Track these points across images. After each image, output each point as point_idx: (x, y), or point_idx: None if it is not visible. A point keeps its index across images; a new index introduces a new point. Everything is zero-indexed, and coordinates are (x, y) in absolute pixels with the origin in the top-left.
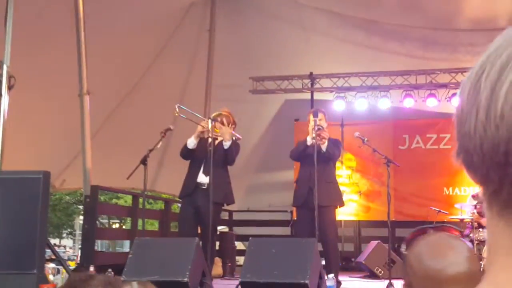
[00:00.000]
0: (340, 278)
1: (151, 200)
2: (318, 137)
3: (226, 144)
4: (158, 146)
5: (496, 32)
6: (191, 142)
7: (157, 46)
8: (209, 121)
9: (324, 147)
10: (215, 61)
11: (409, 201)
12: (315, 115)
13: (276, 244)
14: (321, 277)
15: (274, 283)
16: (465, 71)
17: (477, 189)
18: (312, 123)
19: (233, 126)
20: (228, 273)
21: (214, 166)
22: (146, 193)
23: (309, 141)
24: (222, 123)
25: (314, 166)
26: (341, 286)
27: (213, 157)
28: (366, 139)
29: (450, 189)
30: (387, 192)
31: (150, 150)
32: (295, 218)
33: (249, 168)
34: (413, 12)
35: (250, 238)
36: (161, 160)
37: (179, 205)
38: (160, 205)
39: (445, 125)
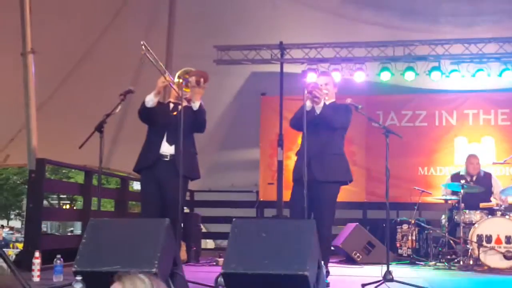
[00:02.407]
0: None
1: (103, 180)
2: (309, 95)
3: (195, 105)
4: (117, 110)
5: (479, 2)
6: (150, 100)
7: (113, 7)
8: (176, 77)
9: (318, 109)
10: (176, 28)
11: (382, 181)
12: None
13: (267, 226)
14: (319, 267)
15: (266, 275)
16: (446, 43)
17: (455, 169)
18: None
19: (205, 87)
20: (193, 258)
21: (180, 129)
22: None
23: (308, 105)
24: (198, 82)
25: (316, 134)
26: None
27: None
28: (360, 106)
29: (425, 169)
30: (388, 171)
31: (107, 115)
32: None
33: (211, 145)
34: None
35: (234, 219)
36: (115, 135)
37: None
38: (114, 185)
39: (421, 100)
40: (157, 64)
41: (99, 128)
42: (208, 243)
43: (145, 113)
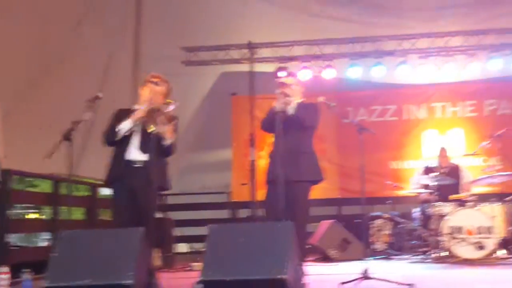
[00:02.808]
0: None
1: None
2: (281, 95)
3: (167, 142)
4: (86, 118)
5: None
6: (126, 128)
7: (78, 12)
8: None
9: (291, 109)
10: (143, 30)
11: (355, 177)
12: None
13: (244, 231)
14: (298, 269)
15: (245, 281)
16: (412, 38)
17: (424, 163)
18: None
19: (175, 121)
20: (167, 264)
21: (152, 142)
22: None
23: (278, 106)
24: (162, 121)
25: (286, 134)
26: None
27: (150, 134)
28: (333, 104)
29: (395, 163)
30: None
31: (75, 123)
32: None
33: (182, 147)
34: None
35: (210, 225)
36: (83, 141)
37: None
38: (82, 193)
39: (390, 95)
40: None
41: (67, 136)
42: (182, 247)
43: (116, 139)
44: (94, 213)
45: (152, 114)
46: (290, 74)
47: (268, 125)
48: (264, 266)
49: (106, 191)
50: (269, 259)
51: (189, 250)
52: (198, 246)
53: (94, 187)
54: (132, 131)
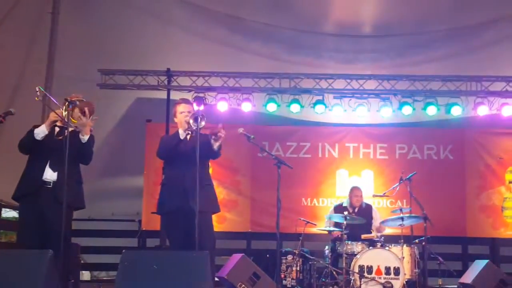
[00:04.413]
0: None
1: None
2: (215, 136)
3: (84, 138)
4: None
5: (360, 39)
6: (42, 132)
7: None
8: (66, 105)
9: (216, 146)
10: (58, 49)
11: (267, 212)
12: (188, 103)
13: (158, 258)
14: None
15: None
16: (329, 78)
17: (337, 201)
18: (181, 112)
19: (95, 118)
20: None
21: (70, 156)
22: None
23: (182, 134)
24: (83, 112)
25: (191, 165)
26: None
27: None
28: (252, 136)
29: (309, 200)
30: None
31: None
32: (163, 227)
33: (92, 171)
34: (279, 11)
35: (124, 250)
36: None
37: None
38: None
39: (306, 132)
40: (51, 103)
41: None
42: (85, 275)
43: (31, 145)
44: None
45: (72, 106)
46: (187, 102)
47: (169, 152)
48: None
49: (6, 213)
50: None
51: (91, 278)
52: (102, 275)
53: None
54: (47, 149)
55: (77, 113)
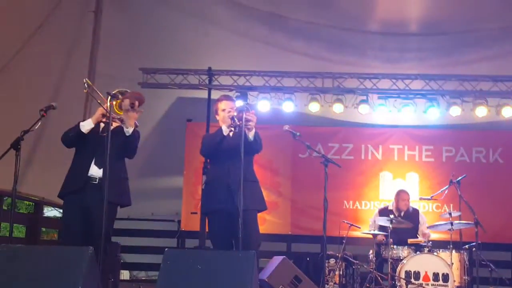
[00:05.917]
0: None
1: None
2: (244, 123)
3: (128, 131)
4: (36, 127)
5: (406, 38)
6: (88, 125)
7: (35, 22)
8: (109, 98)
9: (251, 135)
10: (100, 47)
11: (307, 214)
12: (230, 99)
13: (203, 258)
14: None
15: None
16: (374, 77)
17: (381, 204)
18: (223, 109)
19: (140, 110)
20: None
21: (111, 156)
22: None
23: (225, 130)
24: (133, 104)
25: (235, 161)
26: None
27: (110, 144)
28: (298, 134)
29: (351, 202)
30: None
31: (25, 132)
32: (208, 227)
33: (131, 170)
34: (322, 9)
35: (166, 249)
36: (29, 156)
37: (51, 208)
38: (24, 210)
39: (348, 133)
40: (98, 97)
41: (16, 145)
42: (125, 274)
43: (76, 138)
44: (36, 232)
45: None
46: (229, 98)
47: (212, 150)
48: None
49: (48, 212)
50: None
51: (130, 278)
52: (141, 275)
53: (38, 205)
54: (92, 146)
55: (126, 104)
